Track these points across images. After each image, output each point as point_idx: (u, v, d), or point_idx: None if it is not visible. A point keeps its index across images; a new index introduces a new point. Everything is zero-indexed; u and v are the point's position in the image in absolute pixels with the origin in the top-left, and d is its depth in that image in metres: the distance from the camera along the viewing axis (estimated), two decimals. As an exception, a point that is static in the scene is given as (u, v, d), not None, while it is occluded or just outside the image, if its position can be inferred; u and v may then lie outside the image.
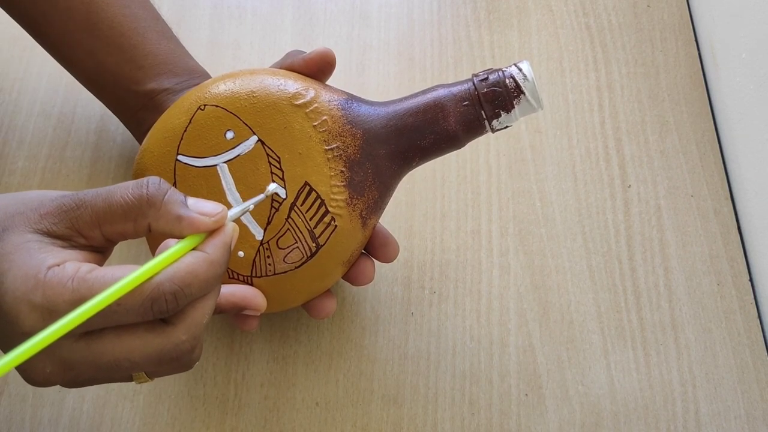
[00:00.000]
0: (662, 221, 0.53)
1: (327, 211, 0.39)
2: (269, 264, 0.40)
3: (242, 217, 0.40)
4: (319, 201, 0.39)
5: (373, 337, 0.49)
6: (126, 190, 0.32)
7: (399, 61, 0.59)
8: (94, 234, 0.32)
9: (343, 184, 0.40)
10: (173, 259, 0.31)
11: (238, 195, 0.40)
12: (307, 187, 0.39)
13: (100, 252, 0.34)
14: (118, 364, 0.31)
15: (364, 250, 0.44)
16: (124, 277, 0.30)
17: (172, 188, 0.33)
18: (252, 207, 0.37)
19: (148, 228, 0.32)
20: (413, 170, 0.54)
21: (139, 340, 0.31)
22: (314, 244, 0.40)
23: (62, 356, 0.30)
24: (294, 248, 0.40)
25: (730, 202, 0.54)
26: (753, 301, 0.50)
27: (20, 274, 0.30)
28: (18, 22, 0.49)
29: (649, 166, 0.55)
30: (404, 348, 0.48)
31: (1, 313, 0.30)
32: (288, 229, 0.40)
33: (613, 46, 0.60)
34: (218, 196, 0.40)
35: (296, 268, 0.40)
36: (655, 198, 0.53)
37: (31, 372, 0.31)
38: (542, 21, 0.61)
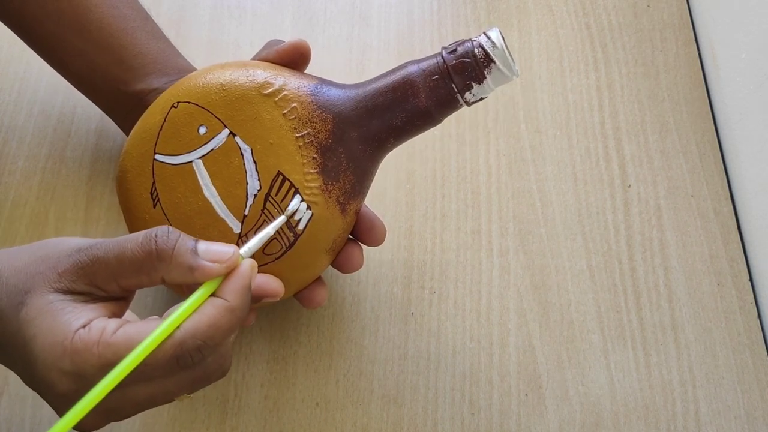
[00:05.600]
0: (662, 221, 0.53)
1: (302, 199, 0.39)
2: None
3: (219, 211, 0.40)
4: (293, 190, 0.39)
5: (373, 337, 0.48)
6: (136, 244, 0.32)
7: (399, 61, 0.58)
8: (111, 287, 0.32)
9: (316, 170, 0.39)
10: (193, 308, 0.32)
11: (214, 190, 0.40)
12: (281, 177, 0.39)
13: (122, 299, 0.34)
14: (155, 398, 0.32)
15: (351, 235, 0.43)
16: (146, 338, 0.30)
17: (182, 237, 0.33)
18: (270, 234, 0.37)
19: (162, 279, 0.33)
20: (413, 170, 0.54)
21: (170, 376, 0.32)
22: (292, 234, 0.39)
23: (102, 406, 0.31)
24: (272, 239, 0.39)
25: (730, 202, 0.54)
26: (753, 301, 0.50)
27: (48, 341, 0.30)
28: (8, 26, 0.48)
29: (649, 166, 0.55)
30: (404, 348, 0.48)
31: (35, 378, 0.31)
32: (264, 220, 0.39)
33: (613, 46, 0.60)
34: (195, 192, 0.40)
35: (276, 259, 0.40)
36: (655, 198, 0.53)
37: (79, 425, 0.32)
38: (542, 21, 0.61)
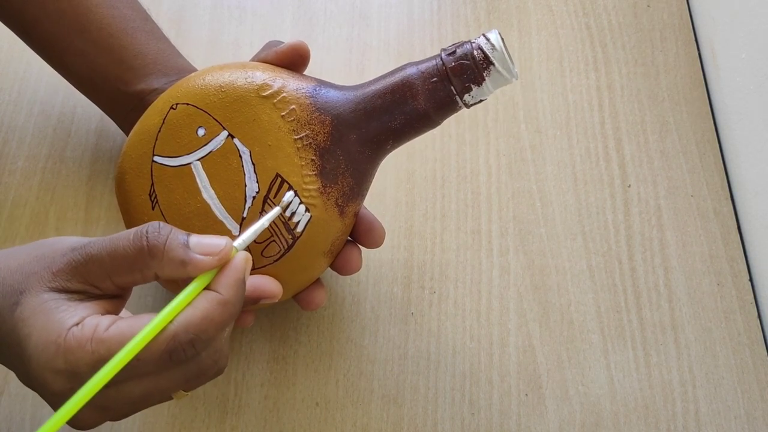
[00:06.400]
0: (662, 221, 0.53)
1: (300, 202, 0.39)
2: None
3: (217, 213, 0.39)
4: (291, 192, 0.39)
5: (373, 337, 0.48)
6: (127, 241, 0.32)
7: (399, 61, 0.58)
8: (106, 285, 0.32)
9: (314, 173, 0.39)
10: (187, 302, 0.31)
11: (212, 192, 0.40)
12: (279, 179, 0.39)
13: (118, 297, 0.34)
14: (150, 395, 0.32)
15: (350, 237, 0.43)
16: (138, 333, 0.30)
17: (173, 231, 0.32)
18: (265, 226, 0.36)
19: (156, 276, 0.32)
20: (413, 170, 0.54)
21: (164, 372, 0.32)
22: (290, 236, 0.39)
23: (97, 403, 0.31)
24: (270, 242, 0.39)
25: (730, 202, 0.54)
26: (753, 301, 0.50)
27: (41, 340, 0.30)
28: (9, 27, 0.48)
29: (649, 166, 0.55)
30: (404, 348, 0.48)
31: (30, 377, 0.31)
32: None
33: (613, 46, 0.60)
34: (194, 194, 0.40)
35: (275, 261, 0.39)
36: (655, 198, 0.53)
37: (76, 422, 0.32)
38: (542, 21, 0.61)
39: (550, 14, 0.61)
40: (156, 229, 0.32)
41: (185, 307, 0.31)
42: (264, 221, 0.36)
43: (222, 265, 0.33)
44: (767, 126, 0.52)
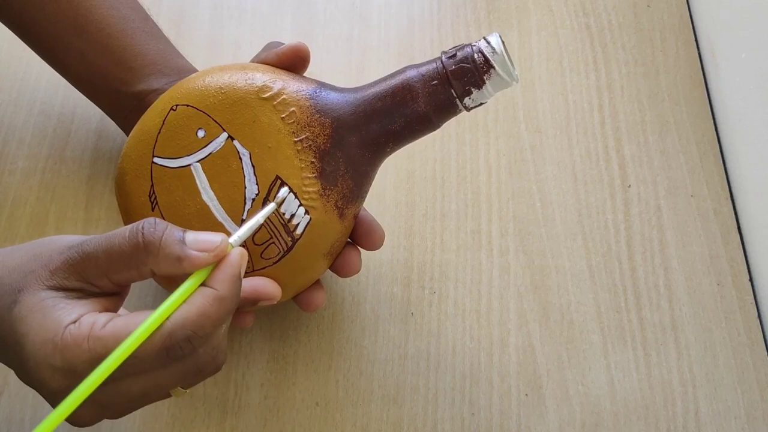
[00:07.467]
0: (662, 221, 0.53)
1: (300, 204, 0.39)
2: (247, 261, 0.39)
3: (217, 215, 0.39)
4: (291, 194, 0.39)
5: (373, 337, 0.48)
6: (123, 238, 0.32)
7: (399, 61, 0.59)
8: (103, 283, 0.32)
9: (314, 175, 0.39)
10: (183, 298, 0.32)
11: (212, 193, 0.40)
12: (279, 181, 0.39)
13: (116, 294, 0.34)
14: (148, 392, 0.32)
15: (349, 239, 0.43)
16: (135, 330, 0.30)
17: (169, 228, 0.32)
18: (260, 222, 0.37)
19: (152, 272, 0.32)
20: (413, 170, 0.54)
21: (161, 369, 0.32)
22: (290, 238, 0.39)
23: (96, 400, 0.31)
24: (270, 243, 0.39)
25: (730, 202, 0.54)
26: (753, 301, 0.50)
27: (39, 338, 0.30)
28: (10, 29, 0.48)
29: (649, 166, 0.55)
30: (404, 348, 0.48)
31: (29, 375, 0.31)
32: (262, 224, 0.39)
33: (613, 46, 0.60)
34: (193, 195, 0.40)
35: (274, 263, 0.40)
36: (655, 198, 0.53)
37: (74, 420, 0.32)
38: (542, 21, 0.61)
39: (550, 14, 0.61)
40: (152, 225, 0.32)
41: (181, 303, 0.31)
42: (259, 217, 0.37)
43: (218, 261, 0.33)
44: (767, 126, 0.52)
